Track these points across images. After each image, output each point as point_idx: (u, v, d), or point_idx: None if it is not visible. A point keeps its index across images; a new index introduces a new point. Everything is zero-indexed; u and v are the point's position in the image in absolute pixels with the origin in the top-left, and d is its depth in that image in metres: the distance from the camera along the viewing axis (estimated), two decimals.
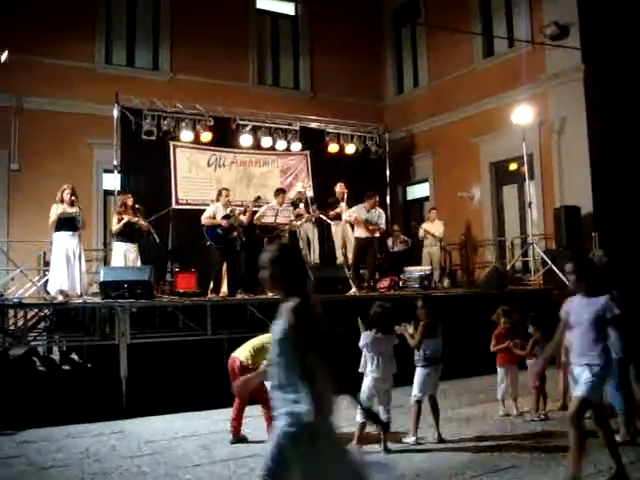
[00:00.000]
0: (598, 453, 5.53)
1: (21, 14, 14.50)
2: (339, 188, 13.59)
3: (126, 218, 11.13)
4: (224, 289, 11.52)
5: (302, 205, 13.24)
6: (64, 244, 10.08)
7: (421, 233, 14.90)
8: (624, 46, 13.88)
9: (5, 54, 10.74)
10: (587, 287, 5.33)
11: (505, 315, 7.99)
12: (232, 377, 6.56)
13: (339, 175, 14.16)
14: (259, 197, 12.80)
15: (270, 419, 6.20)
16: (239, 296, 10.98)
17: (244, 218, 11.89)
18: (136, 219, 11.23)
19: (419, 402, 6.76)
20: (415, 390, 6.72)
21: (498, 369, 7.93)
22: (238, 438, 6.83)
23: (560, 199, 13.85)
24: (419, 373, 6.75)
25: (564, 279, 12.03)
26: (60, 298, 9.72)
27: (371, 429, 6.21)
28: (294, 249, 4.18)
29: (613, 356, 6.43)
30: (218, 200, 11.95)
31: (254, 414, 7.94)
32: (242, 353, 6.81)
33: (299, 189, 13.99)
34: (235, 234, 11.58)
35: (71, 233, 10.19)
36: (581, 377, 5.13)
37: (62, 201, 10.25)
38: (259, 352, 6.64)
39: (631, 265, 12.72)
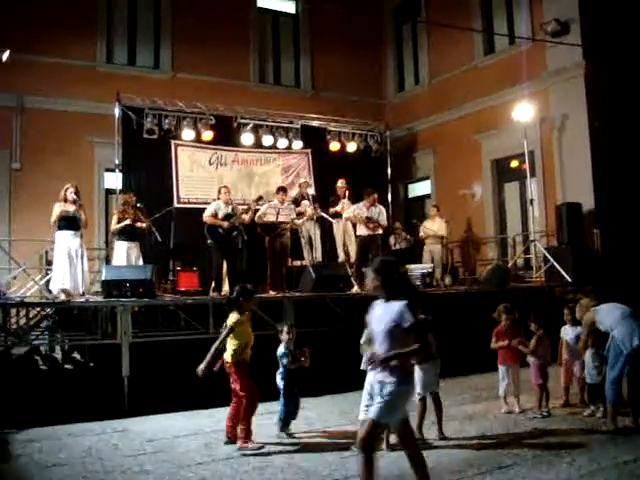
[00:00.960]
0: (599, 450, 5.54)
1: (22, 13, 14.51)
2: (340, 184, 13.61)
3: (127, 221, 11.10)
4: (226, 288, 11.51)
5: (305, 202, 13.25)
6: (66, 243, 10.10)
7: (422, 231, 14.88)
8: (625, 43, 13.89)
9: (7, 53, 10.75)
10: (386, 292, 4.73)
11: (506, 312, 7.94)
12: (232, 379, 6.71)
13: (340, 173, 14.15)
14: (261, 197, 12.77)
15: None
16: None
17: (246, 217, 11.88)
18: (138, 223, 11.21)
19: (423, 400, 6.77)
20: (417, 388, 6.72)
21: (499, 367, 7.91)
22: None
23: (561, 196, 13.86)
24: (417, 371, 6.74)
25: (566, 276, 12.12)
26: (62, 297, 9.73)
27: None
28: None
29: (624, 352, 6.54)
30: (218, 198, 11.95)
31: (256, 412, 7.97)
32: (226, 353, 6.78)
33: (302, 182, 14.06)
34: (236, 232, 11.58)
35: (73, 232, 10.19)
36: (374, 396, 4.71)
37: (64, 200, 10.26)
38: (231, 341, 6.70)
39: (632, 261, 12.78)
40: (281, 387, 7.02)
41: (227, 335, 6.61)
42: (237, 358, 6.58)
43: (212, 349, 6.55)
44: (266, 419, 7.52)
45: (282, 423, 6.99)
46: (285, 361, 7.00)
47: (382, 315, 4.69)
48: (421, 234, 14.90)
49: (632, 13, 14.04)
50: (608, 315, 6.92)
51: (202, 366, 6.50)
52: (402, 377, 4.63)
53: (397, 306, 4.57)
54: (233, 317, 6.67)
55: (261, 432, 6.94)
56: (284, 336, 7.12)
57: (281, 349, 7.07)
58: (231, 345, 6.64)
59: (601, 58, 13.59)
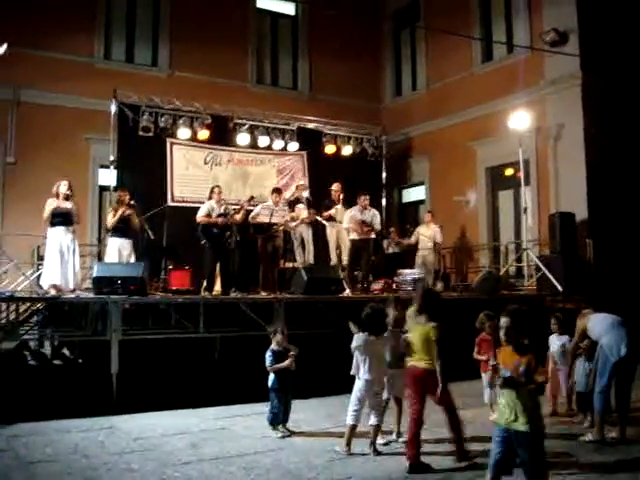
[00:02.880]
0: (585, 459, 5.53)
1: (21, 7, 14.50)
2: (335, 188, 13.63)
3: (120, 211, 11.09)
4: (217, 287, 11.51)
5: (300, 205, 13.25)
6: (58, 239, 10.04)
7: (414, 236, 14.89)
8: (622, 54, 13.95)
9: (4, 47, 10.70)
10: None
11: (489, 320, 7.88)
12: (416, 387, 6.17)
13: (335, 176, 14.18)
14: (253, 197, 12.75)
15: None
16: (232, 295, 10.97)
17: (238, 217, 11.87)
18: (130, 211, 11.19)
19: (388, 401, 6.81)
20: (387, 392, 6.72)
21: (482, 375, 7.90)
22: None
23: (555, 205, 13.89)
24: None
25: (557, 285, 12.14)
26: (52, 292, 9.69)
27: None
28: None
29: (611, 360, 6.56)
30: (211, 198, 11.94)
31: (244, 412, 7.97)
32: (420, 360, 6.14)
33: (299, 184, 14.08)
34: (229, 233, 11.57)
35: (65, 228, 10.14)
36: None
37: (57, 195, 10.22)
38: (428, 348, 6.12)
39: (625, 271, 12.81)
40: (269, 388, 7.03)
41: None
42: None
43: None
44: (254, 420, 7.54)
45: (270, 423, 7.00)
46: (267, 363, 7.02)
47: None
48: (412, 239, 14.91)
49: (630, 24, 14.11)
50: (598, 324, 6.96)
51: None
52: None
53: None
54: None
55: (250, 433, 6.94)
56: (276, 337, 7.13)
57: (267, 351, 7.09)
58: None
59: (598, 69, 13.63)
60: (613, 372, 6.65)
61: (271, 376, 7.04)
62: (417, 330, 6.07)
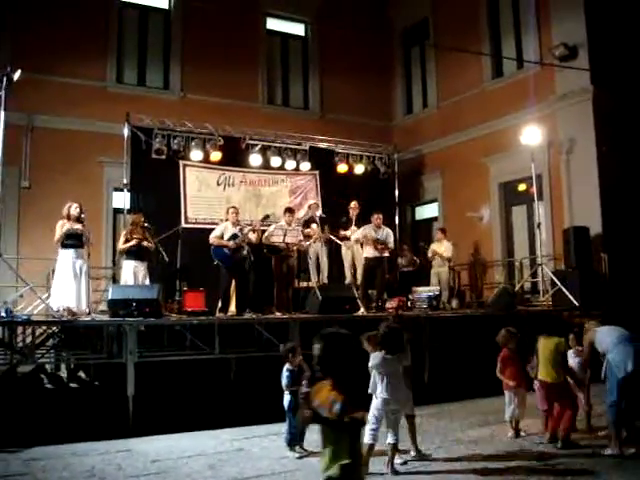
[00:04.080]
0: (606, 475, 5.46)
1: (34, 33, 14.69)
2: (353, 205, 13.66)
3: (133, 241, 11.13)
4: (232, 308, 11.51)
5: (314, 225, 13.27)
6: (69, 260, 10.08)
7: (429, 253, 14.88)
8: (633, 67, 13.92)
9: (18, 73, 10.80)
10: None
11: (511, 336, 7.86)
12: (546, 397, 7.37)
13: (348, 195, 14.21)
14: (267, 216, 12.77)
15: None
16: (247, 315, 10.96)
17: (253, 237, 11.89)
18: (145, 242, 11.22)
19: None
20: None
21: (505, 392, 7.83)
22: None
23: (569, 220, 13.83)
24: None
25: (573, 300, 12.06)
26: (65, 315, 9.69)
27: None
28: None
29: (619, 376, 6.51)
30: (227, 219, 11.97)
31: (261, 433, 7.94)
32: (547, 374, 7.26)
33: (311, 203, 14.12)
34: (244, 253, 11.58)
35: (76, 250, 10.19)
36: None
37: (68, 217, 10.27)
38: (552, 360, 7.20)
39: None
40: (286, 408, 7.00)
41: None
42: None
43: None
44: (271, 441, 7.51)
45: (288, 444, 6.97)
46: (284, 383, 7.01)
47: None
48: (429, 254, 14.90)
49: (639, 37, 14.10)
50: (606, 338, 6.94)
51: None
52: None
53: None
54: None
55: (267, 454, 6.92)
56: (293, 358, 7.12)
57: (283, 371, 7.07)
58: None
59: (609, 83, 13.61)
60: (621, 388, 6.60)
61: (287, 396, 7.02)
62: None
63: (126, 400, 8.48)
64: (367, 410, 4.61)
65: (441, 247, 14.79)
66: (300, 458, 6.82)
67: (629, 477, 6.00)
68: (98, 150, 14.92)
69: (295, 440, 6.96)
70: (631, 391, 6.65)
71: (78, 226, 10.25)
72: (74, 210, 10.30)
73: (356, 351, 4.00)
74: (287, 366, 7.08)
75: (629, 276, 12.95)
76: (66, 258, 10.12)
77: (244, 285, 11.65)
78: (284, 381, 7.02)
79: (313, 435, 7.34)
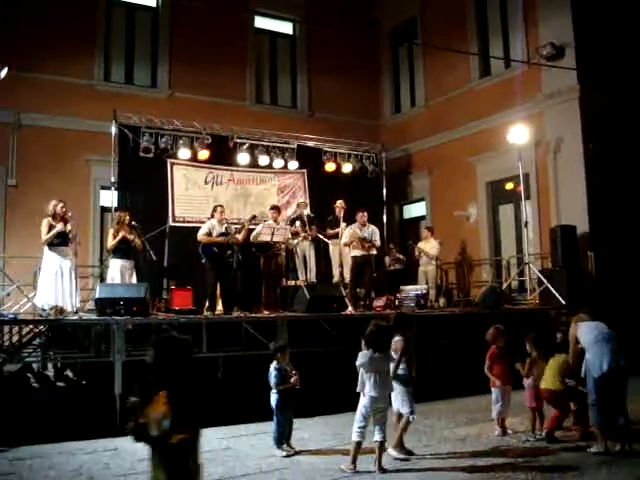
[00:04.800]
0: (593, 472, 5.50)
1: (21, 31, 14.60)
2: (339, 204, 13.64)
3: (121, 234, 11.09)
4: (220, 307, 11.49)
5: (298, 223, 13.27)
6: (55, 259, 10.04)
7: (416, 252, 14.88)
8: (619, 66, 14.00)
9: (5, 70, 10.78)
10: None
11: (500, 333, 7.89)
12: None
13: (336, 194, 14.19)
14: (255, 216, 12.74)
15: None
16: (235, 314, 10.95)
17: (239, 236, 11.86)
18: (132, 237, 11.19)
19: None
20: (408, 407, 6.72)
21: (493, 389, 7.86)
22: None
23: (556, 218, 13.88)
24: (406, 391, 6.75)
25: (560, 298, 12.12)
26: (51, 313, 9.63)
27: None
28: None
29: (594, 375, 6.54)
30: (213, 217, 11.95)
31: (248, 432, 7.94)
32: (550, 383, 7.48)
33: (300, 202, 14.10)
34: (230, 252, 11.56)
35: (62, 248, 10.16)
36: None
37: (54, 216, 10.22)
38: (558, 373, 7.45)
39: (626, 283, 12.80)
40: (274, 407, 7.00)
41: None
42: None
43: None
44: (259, 440, 7.50)
45: (276, 442, 6.97)
46: (272, 382, 7.00)
47: None
48: (416, 253, 14.90)
49: (626, 37, 14.18)
50: (586, 334, 6.98)
51: None
52: None
53: None
54: None
55: (255, 453, 6.91)
56: (281, 356, 7.11)
57: (271, 370, 7.07)
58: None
59: (596, 82, 13.68)
60: (599, 387, 6.64)
61: (275, 395, 7.02)
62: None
63: (113, 399, 8.45)
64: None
65: (428, 245, 14.80)
66: (287, 456, 6.83)
67: (614, 474, 6.04)
68: (85, 148, 14.84)
69: (283, 439, 6.97)
70: (610, 389, 6.68)
71: (68, 226, 10.22)
72: (59, 209, 10.26)
73: (194, 360, 3.64)
74: (275, 364, 7.08)
75: (616, 275, 13.02)
76: (52, 256, 10.08)
77: (232, 284, 11.64)
78: (272, 380, 7.02)
79: (301, 433, 7.40)
